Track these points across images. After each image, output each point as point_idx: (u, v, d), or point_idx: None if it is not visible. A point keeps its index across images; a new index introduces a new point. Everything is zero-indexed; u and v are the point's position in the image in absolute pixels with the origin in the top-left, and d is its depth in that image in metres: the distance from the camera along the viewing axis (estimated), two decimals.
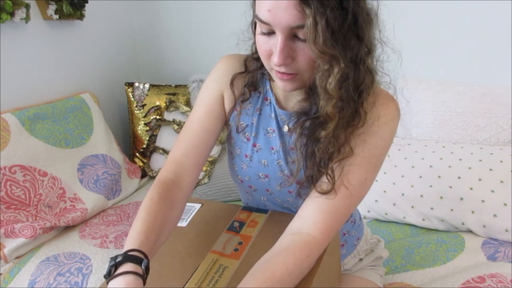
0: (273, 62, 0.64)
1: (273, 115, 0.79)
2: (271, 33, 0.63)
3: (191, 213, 0.89)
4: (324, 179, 0.70)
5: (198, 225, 0.85)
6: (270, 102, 0.80)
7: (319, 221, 0.68)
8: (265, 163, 0.81)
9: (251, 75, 0.80)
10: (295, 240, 0.67)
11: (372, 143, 0.70)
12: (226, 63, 0.83)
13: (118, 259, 0.60)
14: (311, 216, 0.69)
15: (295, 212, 0.85)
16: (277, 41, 0.62)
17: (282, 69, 0.65)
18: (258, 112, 0.81)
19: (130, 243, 0.64)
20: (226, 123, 0.85)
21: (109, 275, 0.59)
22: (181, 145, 0.80)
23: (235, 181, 0.88)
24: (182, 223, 0.85)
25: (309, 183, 0.73)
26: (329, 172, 0.69)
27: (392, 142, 0.74)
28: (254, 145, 0.81)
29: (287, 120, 0.78)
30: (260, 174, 0.82)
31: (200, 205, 0.92)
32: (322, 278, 0.71)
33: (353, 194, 0.69)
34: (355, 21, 0.60)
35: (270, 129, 0.80)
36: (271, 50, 0.64)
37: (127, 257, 0.61)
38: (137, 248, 0.62)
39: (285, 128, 0.78)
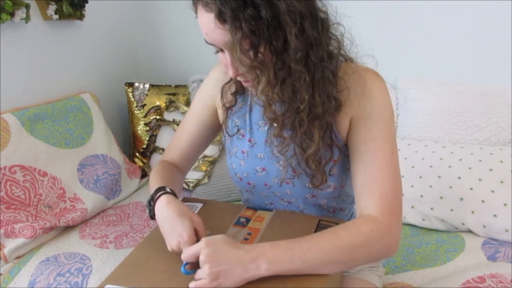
0: (229, 75, 0.69)
1: (262, 109, 0.81)
2: (222, 49, 0.67)
3: (194, 211, 0.89)
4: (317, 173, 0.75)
5: (203, 221, 0.85)
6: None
7: (375, 205, 0.70)
8: (261, 156, 0.83)
9: (236, 80, 0.83)
10: (359, 218, 0.71)
11: (376, 121, 0.72)
12: (218, 71, 0.88)
13: (150, 198, 0.76)
14: (366, 202, 0.71)
15: (296, 206, 0.86)
16: (227, 56, 0.66)
17: (242, 78, 0.70)
18: (249, 109, 0.84)
19: (154, 188, 0.79)
20: (222, 125, 0.89)
21: (151, 213, 0.75)
22: (176, 140, 0.94)
23: (234, 181, 0.89)
24: None
25: (310, 175, 0.76)
26: (312, 165, 0.73)
27: (391, 106, 0.75)
28: (249, 140, 0.84)
29: None
30: (257, 168, 0.83)
31: (202, 204, 0.92)
32: (333, 278, 0.71)
33: (390, 174, 0.71)
34: (278, 24, 0.61)
35: (262, 123, 0.83)
36: (228, 64, 0.68)
37: (156, 191, 0.76)
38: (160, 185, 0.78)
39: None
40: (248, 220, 0.84)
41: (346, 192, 0.86)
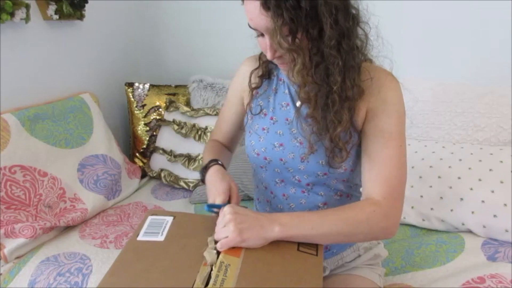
0: (267, 57, 0.78)
1: (287, 91, 0.90)
2: (263, 34, 0.76)
3: (165, 226, 0.83)
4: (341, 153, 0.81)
5: (177, 238, 0.79)
6: (284, 81, 0.91)
7: (378, 189, 0.79)
8: (280, 133, 0.90)
9: (264, 65, 0.93)
10: (363, 200, 0.81)
11: (389, 115, 0.80)
12: (245, 65, 0.98)
13: (204, 166, 0.92)
14: (371, 187, 0.80)
15: (304, 185, 0.90)
16: (266, 40, 0.75)
17: (279, 61, 0.79)
18: (274, 91, 0.92)
19: (207, 160, 0.94)
20: (246, 107, 0.98)
21: (203, 177, 0.91)
22: (218, 125, 1.09)
23: (251, 158, 0.95)
24: (158, 237, 0.79)
25: (332, 153, 0.82)
26: (339, 143, 0.79)
27: (403, 102, 0.82)
28: (271, 118, 0.91)
29: None
30: (275, 143, 0.90)
31: (172, 217, 0.86)
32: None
33: (396, 164, 0.79)
34: (315, 14, 0.70)
35: (285, 103, 0.90)
36: (267, 47, 0.77)
37: (208, 162, 0.92)
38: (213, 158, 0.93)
39: (298, 103, 0.86)
40: None
41: (354, 179, 0.90)
